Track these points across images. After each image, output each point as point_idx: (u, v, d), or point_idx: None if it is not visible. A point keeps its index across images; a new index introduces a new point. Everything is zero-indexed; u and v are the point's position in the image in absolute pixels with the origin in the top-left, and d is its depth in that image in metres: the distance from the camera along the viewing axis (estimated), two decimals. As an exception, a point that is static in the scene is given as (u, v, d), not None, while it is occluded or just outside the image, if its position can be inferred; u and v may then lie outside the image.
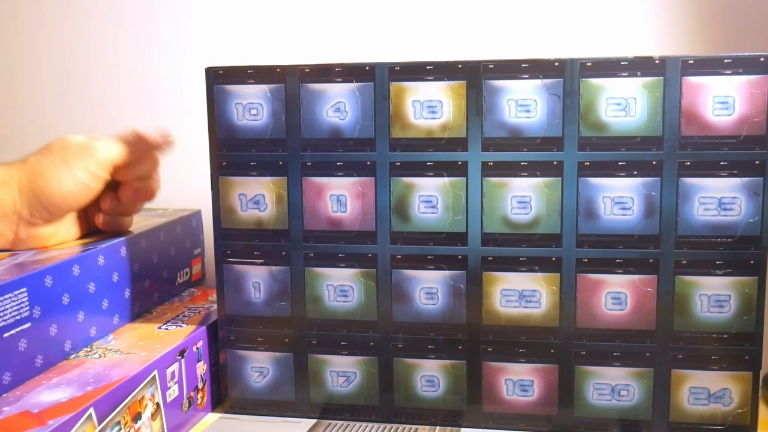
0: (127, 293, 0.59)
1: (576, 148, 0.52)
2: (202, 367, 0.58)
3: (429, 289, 0.55)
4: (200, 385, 0.58)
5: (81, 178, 0.55)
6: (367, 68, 0.54)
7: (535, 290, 0.54)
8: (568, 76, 0.51)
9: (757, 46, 0.69)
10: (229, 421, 0.58)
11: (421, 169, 0.54)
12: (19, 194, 0.54)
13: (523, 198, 0.53)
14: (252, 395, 0.59)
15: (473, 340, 0.55)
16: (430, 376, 0.56)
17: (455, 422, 0.56)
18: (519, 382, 0.55)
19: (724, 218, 0.51)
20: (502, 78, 0.52)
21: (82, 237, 0.59)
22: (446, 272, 0.55)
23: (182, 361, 0.55)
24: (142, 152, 0.58)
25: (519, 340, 0.54)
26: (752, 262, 0.51)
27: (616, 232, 0.52)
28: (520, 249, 0.54)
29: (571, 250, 0.53)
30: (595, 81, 0.51)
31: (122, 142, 0.57)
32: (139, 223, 0.65)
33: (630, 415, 0.54)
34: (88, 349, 0.53)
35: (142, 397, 0.50)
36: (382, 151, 0.54)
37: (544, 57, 0.52)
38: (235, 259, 0.57)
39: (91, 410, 0.44)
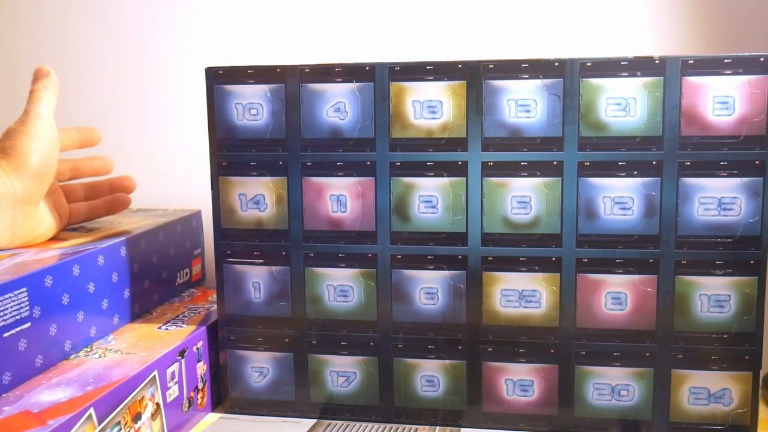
0: (126, 293, 0.59)
1: (576, 148, 0.52)
2: (202, 368, 0.58)
3: (429, 289, 0.55)
4: (200, 386, 0.58)
5: (46, 136, 0.56)
6: (367, 68, 0.54)
7: (535, 290, 0.54)
8: (568, 76, 0.51)
9: (757, 47, 0.69)
10: (229, 421, 0.58)
11: (421, 169, 0.54)
12: (5, 174, 0.54)
13: (523, 198, 0.53)
14: (252, 395, 0.59)
15: (473, 340, 0.55)
16: (430, 376, 0.56)
17: (455, 422, 0.56)
18: (519, 382, 0.55)
19: (724, 218, 0.51)
20: (502, 78, 0.52)
21: (61, 230, 0.61)
22: (446, 272, 0.55)
23: (182, 361, 0.55)
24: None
25: (519, 340, 0.54)
26: (752, 262, 0.51)
27: (616, 232, 0.52)
28: (520, 249, 0.54)
29: (571, 250, 0.53)
30: (595, 81, 0.51)
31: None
32: (139, 223, 0.65)
33: (630, 415, 0.54)
34: (88, 349, 0.53)
35: (142, 397, 0.50)
36: (382, 151, 0.54)
37: (544, 57, 0.52)
38: (235, 259, 0.57)
39: (91, 410, 0.44)
